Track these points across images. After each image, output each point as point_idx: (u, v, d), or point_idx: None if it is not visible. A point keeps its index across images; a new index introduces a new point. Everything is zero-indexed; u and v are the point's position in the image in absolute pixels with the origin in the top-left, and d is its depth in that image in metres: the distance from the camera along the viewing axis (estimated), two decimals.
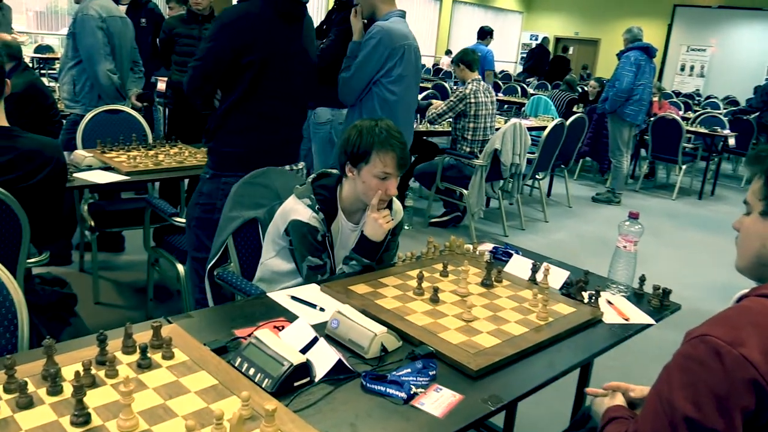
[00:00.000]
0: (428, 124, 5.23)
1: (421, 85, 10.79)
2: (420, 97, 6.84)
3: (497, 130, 4.99)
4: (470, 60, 4.99)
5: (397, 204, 2.14)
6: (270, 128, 2.44)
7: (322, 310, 1.68)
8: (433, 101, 5.37)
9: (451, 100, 4.89)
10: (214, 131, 2.44)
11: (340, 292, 1.77)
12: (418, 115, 5.25)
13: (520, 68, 16.83)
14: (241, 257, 2.18)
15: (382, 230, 1.96)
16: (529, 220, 5.85)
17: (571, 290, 1.95)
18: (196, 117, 4.07)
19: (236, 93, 2.36)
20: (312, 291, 1.80)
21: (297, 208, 1.96)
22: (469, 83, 4.92)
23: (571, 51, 15.05)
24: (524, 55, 17.10)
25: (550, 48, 15.51)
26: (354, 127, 1.95)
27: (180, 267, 2.93)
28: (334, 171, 2.10)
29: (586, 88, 8.78)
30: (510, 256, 2.22)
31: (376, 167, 1.90)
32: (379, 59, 3.29)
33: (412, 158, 5.57)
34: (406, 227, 4.95)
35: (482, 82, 4.97)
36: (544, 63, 12.89)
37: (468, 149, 4.95)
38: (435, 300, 1.77)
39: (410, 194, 5.22)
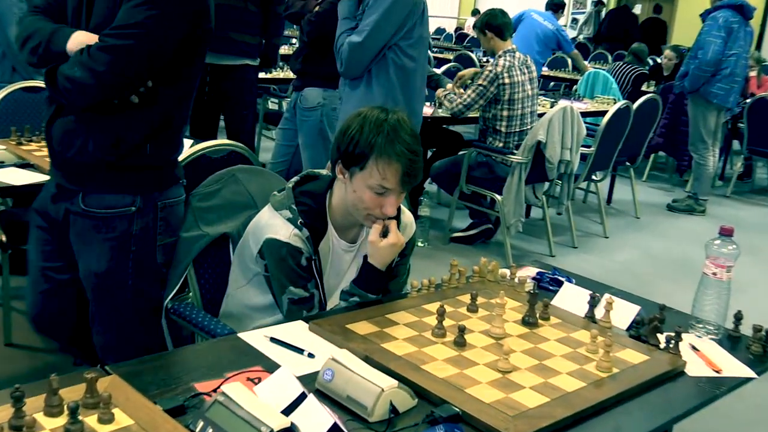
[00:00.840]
0: (448, 113, 5.22)
1: (440, 56, 10.85)
2: (441, 71, 6.84)
3: (540, 116, 5.00)
4: (500, 25, 4.98)
5: (407, 215, 2.13)
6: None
7: (311, 356, 1.67)
8: (447, 82, 5.30)
9: (480, 85, 4.86)
10: (148, 138, 2.08)
11: (335, 332, 1.77)
12: (437, 101, 5.25)
13: (571, 32, 16.85)
14: (204, 285, 2.17)
15: (390, 252, 1.96)
16: (583, 235, 5.86)
17: (642, 331, 1.94)
18: None
19: (192, 76, 2.13)
20: (297, 331, 1.79)
21: (273, 224, 1.98)
22: (499, 57, 4.91)
23: (637, 10, 15.04)
24: (577, 17, 17.13)
25: (610, 6, 15.52)
26: (357, 115, 1.96)
27: None
28: (323, 172, 2.10)
29: (658, 60, 8.80)
30: (560, 284, 2.22)
31: (372, 178, 1.90)
32: (399, 17, 3.33)
33: (429, 153, 5.57)
34: (419, 244, 4.97)
35: (518, 54, 4.95)
36: (632, 28, 12.52)
37: (501, 144, 4.96)
38: (461, 343, 1.76)
39: (426, 200, 5.22)
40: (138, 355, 1.63)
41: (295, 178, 2.08)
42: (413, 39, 3.39)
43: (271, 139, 6.35)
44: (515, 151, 4.92)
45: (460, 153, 5.31)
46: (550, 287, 2.24)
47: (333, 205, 2.03)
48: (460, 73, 5.32)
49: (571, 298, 2.10)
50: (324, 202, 2.02)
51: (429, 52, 5.96)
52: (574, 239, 5.64)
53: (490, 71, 4.84)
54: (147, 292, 2.18)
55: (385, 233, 1.97)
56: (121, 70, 1.95)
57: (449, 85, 5.13)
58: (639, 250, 5.70)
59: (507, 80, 4.82)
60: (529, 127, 5.00)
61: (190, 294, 2.16)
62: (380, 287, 1.99)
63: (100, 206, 2.10)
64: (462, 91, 5.00)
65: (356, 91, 3.47)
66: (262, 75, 5.67)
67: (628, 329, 1.98)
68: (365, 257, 2.00)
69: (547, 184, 5.26)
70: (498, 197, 4.96)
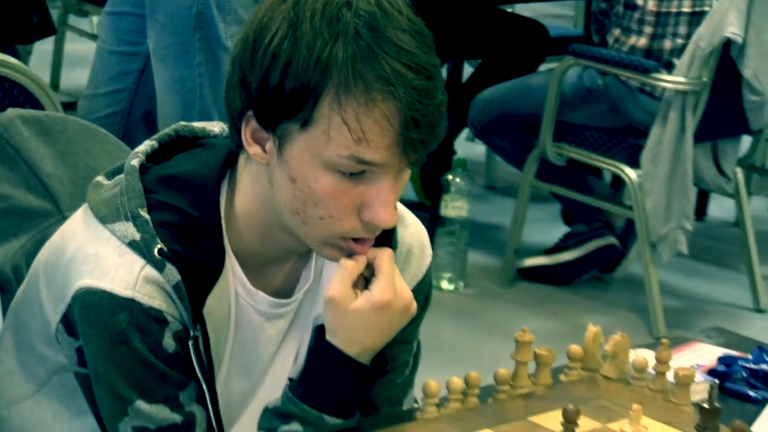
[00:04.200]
0: None
1: None
2: None
3: None
4: None
5: (411, 227, 1.37)
6: None
7: None
8: None
9: None
10: None
11: None
12: None
13: None
14: None
15: (379, 321, 1.23)
16: None
17: None
18: None
19: None
20: None
21: (97, 255, 1.29)
22: None
23: None
24: None
25: None
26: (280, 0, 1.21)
27: None
28: (214, 129, 1.37)
29: None
30: None
31: (335, 142, 1.22)
32: None
33: (465, 68, 3.73)
34: (445, 287, 3.11)
35: None
36: None
37: (642, 42, 3.01)
38: None
39: (459, 180, 3.28)
40: None
41: (146, 144, 1.30)
42: None
43: (87, 37, 4.14)
44: (674, 61, 2.97)
45: (540, 69, 3.45)
46: (751, 393, 1.48)
47: (238, 210, 1.30)
48: None
49: None
50: (216, 202, 1.29)
51: None
52: None
53: None
54: None
55: (367, 278, 1.21)
56: None
57: None
58: None
59: None
60: (702, 8, 3.06)
61: None
62: (353, 399, 1.28)
63: None
64: None
65: None
66: None
67: None
68: (317, 330, 1.26)
69: (747, 142, 3.23)
70: (631, 173, 3.01)
